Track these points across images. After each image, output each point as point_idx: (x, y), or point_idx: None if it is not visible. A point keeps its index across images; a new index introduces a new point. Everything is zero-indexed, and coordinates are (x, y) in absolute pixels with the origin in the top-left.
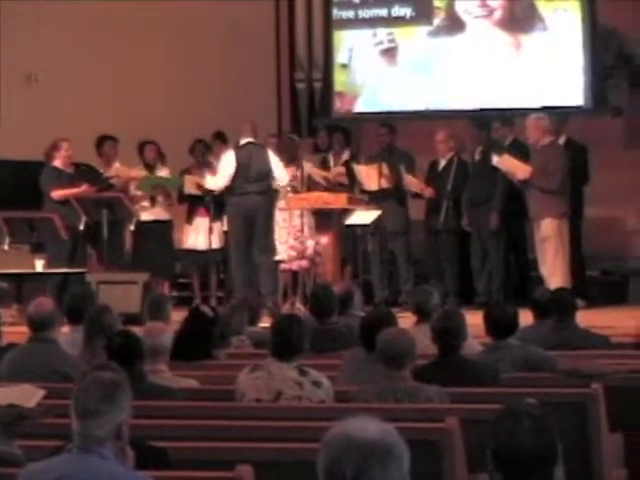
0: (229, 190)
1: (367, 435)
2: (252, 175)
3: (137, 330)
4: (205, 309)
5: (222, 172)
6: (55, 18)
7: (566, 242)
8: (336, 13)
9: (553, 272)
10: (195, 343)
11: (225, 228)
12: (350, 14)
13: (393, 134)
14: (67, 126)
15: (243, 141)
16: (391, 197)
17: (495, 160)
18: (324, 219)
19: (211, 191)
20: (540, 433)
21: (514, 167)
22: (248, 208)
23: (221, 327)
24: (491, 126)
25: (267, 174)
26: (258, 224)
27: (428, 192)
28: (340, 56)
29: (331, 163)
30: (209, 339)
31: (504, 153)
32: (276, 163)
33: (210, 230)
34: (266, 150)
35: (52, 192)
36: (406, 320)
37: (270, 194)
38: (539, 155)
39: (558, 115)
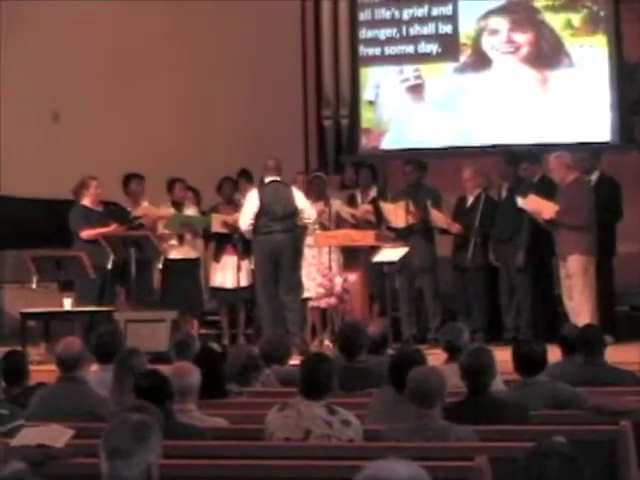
0: (255, 229)
1: (397, 477)
2: (278, 214)
3: (165, 369)
4: (214, 345)
5: (244, 211)
6: (80, 55)
7: (593, 279)
8: (362, 50)
9: (580, 310)
10: (206, 380)
11: (252, 266)
12: (377, 51)
13: (420, 171)
14: (93, 164)
15: (267, 179)
16: (418, 234)
17: (520, 202)
18: (352, 256)
19: (237, 229)
20: (570, 471)
21: (540, 207)
22: (273, 247)
23: (249, 363)
24: (519, 163)
25: (293, 213)
26: (284, 262)
27: (455, 228)
28: (367, 93)
29: (359, 200)
30: (220, 375)
31: (530, 193)
32: (302, 200)
33: (238, 268)
34: (291, 188)
35: (82, 231)
36: (435, 357)
37: (296, 232)
38: (565, 192)
39: (587, 151)
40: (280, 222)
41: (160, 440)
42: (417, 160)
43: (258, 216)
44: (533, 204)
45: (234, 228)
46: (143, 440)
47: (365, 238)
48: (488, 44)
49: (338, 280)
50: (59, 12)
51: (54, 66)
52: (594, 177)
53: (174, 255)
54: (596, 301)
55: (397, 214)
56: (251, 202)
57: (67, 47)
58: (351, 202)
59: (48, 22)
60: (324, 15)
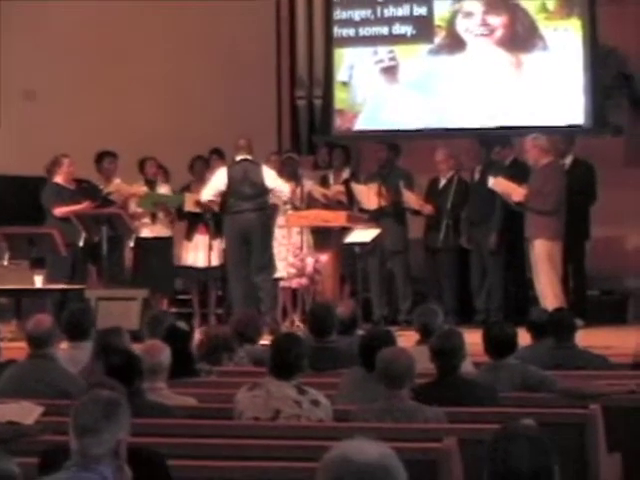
0: (224, 208)
1: (365, 457)
2: (246, 192)
3: (136, 347)
4: (181, 324)
5: (209, 185)
6: (54, 34)
7: (558, 264)
8: (337, 31)
9: (545, 294)
10: (175, 359)
11: (224, 246)
12: (351, 32)
13: (392, 152)
14: (66, 142)
15: (238, 158)
16: (390, 216)
17: (490, 182)
18: (323, 237)
19: (210, 208)
20: (537, 454)
21: (508, 189)
22: (243, 226)
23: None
24: (492, 146)
25: (262, 191)
26: (254, 242)
27: (427, 209)
28: (340, 74)
29: (331, 181)
30: (188, 354)
31: (500, 174)
32: (273, 178)
33: (210, 247)
34: (261, 167)
35: (54, 209)
36: (405, 339)
37: (266, 211)
38: (538, 175)
39: (560, 135)
40: (249, 201)
41: (129, 417)
42: (389, 141)
43: (227, 195)
44: (502, 186)
45: (207, 207)
46: (112, 417)
47: (337, 219)
48: (462, 26)
49: (309, 260)
50: None
51: (29, 45)
52: (568, 160)
53: (146, 233)
54: (564, 285)
55: (369, 196)
56: (218, 178)
57: (42, 26)
58: (323, 183)
59: (24, 3)
60: None
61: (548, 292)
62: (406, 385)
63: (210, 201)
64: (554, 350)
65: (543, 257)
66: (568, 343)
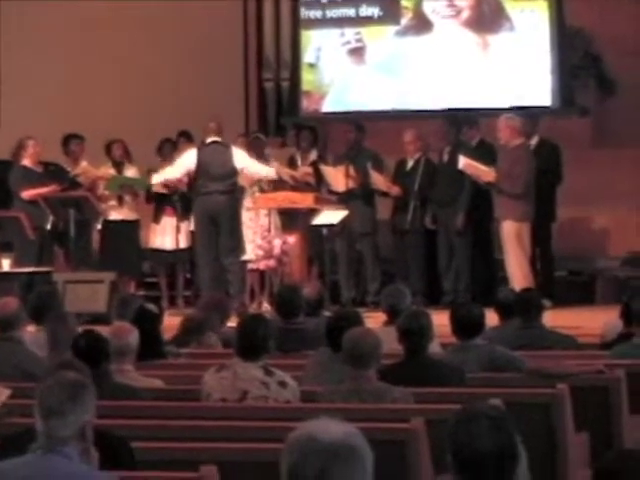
0: (194, 189)
1: (330, 437)
2: (214, 174)
3: (103, 330)
4: (150, 306)
5: (177, 163)
6: (20, 18)
7: (527, 245)
8: (304, 13)
9: (514, 274)
10: (143, 342)
11: (192, 228)
12: (318, 14)
13: (360, 132)
14: (33, 125)
15: (208, 140)
16: (358, 197)
17: (460, 164)
18: (291, 219)
19: (176, 190)
20: (499, 432)
21: (478, 171)
22: (212, 208)
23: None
24: (461, 127)
25: (230, 173)
26: (223, 224)
27: (395, 190)
28: (308, 56)
29: (299, 162)
30: (157, 337)
31: (467, 155)
32: (244, 158)
33: (177, 230)
34: (230, 149)
35: (22, 192)
36: (373, 320)
37: (235, 194)
38: (507, 156)
39: (527, 115)
40: (218, 182)
41: (95, 399)
42: (356, 122)
43: (196, 176)
44: (471, 169)
45: (174, 189)
46: (77, 399)
47: (305, 200)
48: (429, 8)
49: (277, 242)
50: None
51: None
52: (533, 141)
53: (113, 216)
54: (531, 266)
55: (337, 178)
56: (187, 157)
57: (10, 10)
58: (291, 164)
59: None
60: None
61: (517, 273)
62: (372, 365)
63: (178, 180)
64: (522, 330)
65: (512, 238)
66: (535, 323)
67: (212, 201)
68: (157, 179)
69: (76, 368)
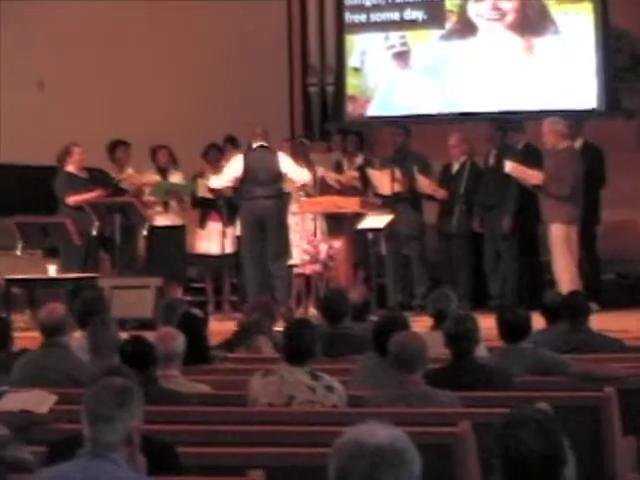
0: (240, 194)
1: (377, 440)
2: (261, 179)
3: (150, 335)
4: (196, 311)
5: (225, 171)
6: (65, 23)
7: (575, 248)
8: (348, 17)
9: (562, 277)
10: (189, 346)
11: (238, 233)
12: (362, 18)
13: (407, 136)
14: (79, 131)
15: (254, 145)
16: (405, 201)
17: (507, 167)
18: (337, 223)
19: (222, 194)
20: (547, 436)
21: (525, 175)
22: (258, 212)
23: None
24: (507, 130)
25: (277, 178)
26: (270, 229)
27: (440, 194)
28: (352, 60)
29: (345, 167)
30: (203, 341)
31: (514, 159)
32: (289, 164)
33: (223, 235)
34: (276, 154)
35: (68, 198)
36: (420, 324)
37: (282, 198)
38: (554, 160)
39: (572, 118)
40: (264, 187)
41: (141, 405)
42: (404, 125)
43: (243, 181)
44: (518, 172)
45: (220, 194)
46: (124, 405)
47: (350, 204)
48: (474, 11)
49: (323, 247)
50: None
51: (40, 35)
52: (578, 144)
53: (159, 222)
54: (578, 269)
55: (383, 182)
56: (233, 165)
57: (54, 16)
58: (337, 169)
59: None
60: None
61: (564, 276)
62: (418, 369)
63: (225, 187)
64: (568, 334)
65: (560, 241)
66: (582, 326)
67: (259, 206)
68: (202, 190)
69: (124, 374)
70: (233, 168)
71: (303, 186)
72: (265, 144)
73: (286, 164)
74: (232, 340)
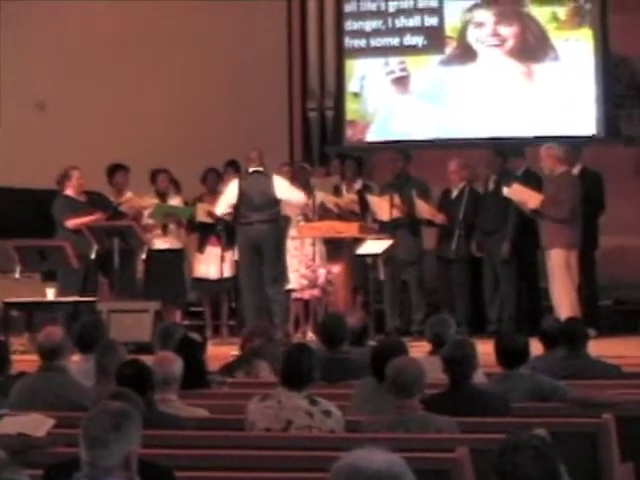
0: (236, 219)
1: (374, 466)
2: (256, 203)
3: (147, 359)
4: (194, 335)
5: (222, 199)
6: (65, 45)
7: (574, 273)
8: (348, 42)
9: (560, 303)
10: (187, 371)
11: (236, 257)
12: (362, 43)
13: (407, 160)
14: (77, 154)
15: (250, 170)
16: (404, 226)
17: (505, 191)
18: (335, 248)
19: (221, 219)
20: (544, 462)
21: (524, 196)
22: (254, 237)
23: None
24: (507, 156)
25: (272, 202)
26: (266, 253)
27: (439, 218)
28: (352, 85)
29: (344, 192)
30: (201, 366)
31: (513, 183)
32: (285, 188)
33: (222, 259)
34: (272, 178)
35: (67, 221)
36: (418, 349)
37: (278, 223)
38: (552, 184)
39: (571, 144)
40: (259, 212)
41: (140, 429)
42: (404, 150)
43: (239, 206)
44: (517, 193)
45: (218, 218)
46: (122, 429)
47: (349, 229)
48: (473, 37)
49: (322, 272)
50: (47, 3)
51: (40, 56)
52: (576, 170)
53: (158, 245)
54: (577, 295)
55: (382, 207)
56: (229, 191)
57: (53, 37)
58: (336, 194)
59: (36, 13)
60: (310, 7)
61: (563, 302)
62: (415, 394)
63: (225, 214)
64: (566, 360)
65: (560, 266)
66: (580, 353)
67: (255, 231)
68: (201, 215)
69: (128, 398)
70: (228, 194)
71: (302, 208)
72: (260, 169)
73: (281, 187)
74: (233, 364)
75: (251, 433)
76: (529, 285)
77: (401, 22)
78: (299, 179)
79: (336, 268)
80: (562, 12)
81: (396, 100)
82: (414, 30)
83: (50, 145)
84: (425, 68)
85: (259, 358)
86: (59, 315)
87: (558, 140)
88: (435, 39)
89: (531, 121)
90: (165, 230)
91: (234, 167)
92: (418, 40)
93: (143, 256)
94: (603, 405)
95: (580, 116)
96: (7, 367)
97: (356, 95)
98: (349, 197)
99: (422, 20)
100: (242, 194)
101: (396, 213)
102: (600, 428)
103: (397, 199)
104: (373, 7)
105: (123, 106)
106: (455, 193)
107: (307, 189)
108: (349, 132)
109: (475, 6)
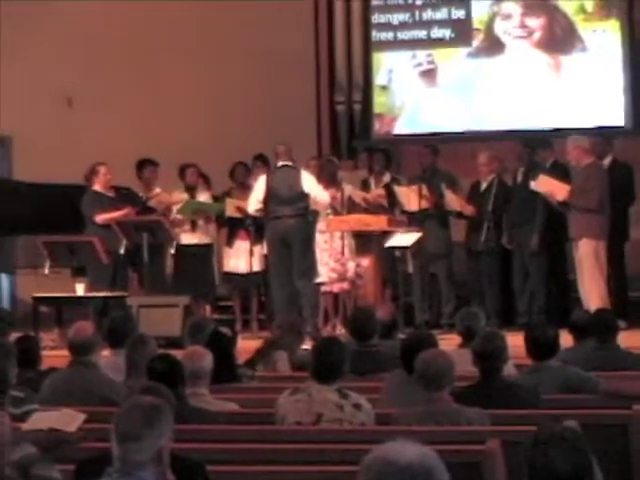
0: (265, 214)
1: (406, 459)
2: (284, 198)
3: (177, 354)
4: (224, 330)
5: (252, 196)
6: (93, 41)
7: (603, 263)
8: (375, 35)
9: (590, 294)
10: (217, 365)
11: (265, 251)
12: (389, 36)
13: (435, 155)
14: (106, 149)
15: (279, 164)
16: (433, 218)
17: (532, 185)
18: (365, 241)
19: (249, 214)
20: (575, 454)
21: (552, 187)
22: (283, 231)
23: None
24: (535, 148)
25: (300, 197)
26: (295, 248)
27: (469, 210)
28: (379, 78)
29: (372, 185)
30: (231, 360)
31: (540, 175)
32: (311, 184)
33: (251, 253)
34: (300, 172)
35: (96, 216)
36: (447, 342)
37: (306, 217)
38: (580, 175)
39: (600, 136)
40: (288, 206)
41: (171, 423)
42: (433, 145)
43: (267, 201)
44: (545, 185)
45: (248, 213)
46: (154, 424)
47: (378, 223)
48: (501, 29)
49: (351, 265)
50: None
51: (68, 51)
52: (607, 162)
53: (187, 240)
54: (607, 286)
55: (410, 198)
56: (258, 187)
57: (81, 32)
58: (364, 187)
59: (62, 8)
60: (337, 0)
61: (592, 293)
62: (444, 386)
63: (257, 210)
64: (596, 351)
65: (589, 257)
66: (610, 344)
67: (283, 225)
68: (230, 209)
69: (159, 393)
70: (257, 190)
71: (325, 208)
72: (289, 163)
73: (308, 183)
74: (253, 358)
75: (282, 427)
76: (558, 277)
77: (428, 15)
78: (327, 173)
79: (365, 261)
80: (589, 4)
81: (424, 93)
82: (441, 22)
83: (79, 141)
84: (453, 60)
85: (277, 349)
86: (89, 310)
87: (586, 132)
88: (462, 31)
89: (559, 113)
90: (194, 226)
91: (262, 161)
92: (445, 32)
93: (172, 251)
94: (634, 397)
95: (608, 107)
96: (37, 362)
97: (384, 88)
98: (377, 192)
99: (449, 12)
100: (270, 189)
101: (425, 204)
102: (630, 420)
103: (425, 190)
104: (400, 0)
105: (151, 101)
106: (484, 186)
107: (335, 183)
108: (377, 125)
109: None
